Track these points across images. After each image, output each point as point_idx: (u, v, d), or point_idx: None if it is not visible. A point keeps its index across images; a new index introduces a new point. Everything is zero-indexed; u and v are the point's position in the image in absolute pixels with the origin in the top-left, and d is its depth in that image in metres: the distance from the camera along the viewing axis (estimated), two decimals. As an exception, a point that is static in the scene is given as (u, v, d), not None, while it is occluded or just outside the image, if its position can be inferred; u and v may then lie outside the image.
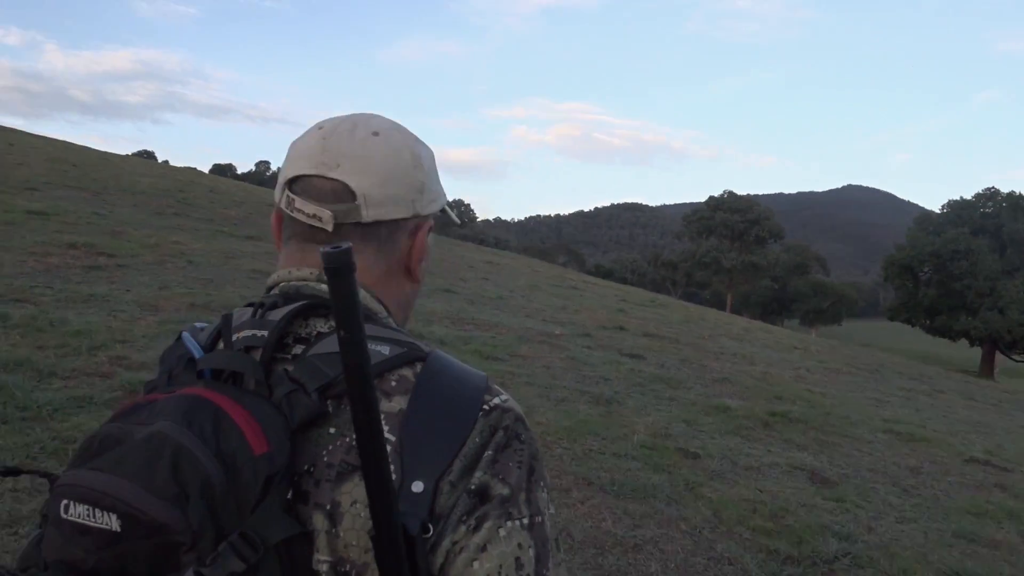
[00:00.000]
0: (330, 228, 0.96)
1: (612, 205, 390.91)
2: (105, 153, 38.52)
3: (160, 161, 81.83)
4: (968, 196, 43.79)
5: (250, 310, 0.96)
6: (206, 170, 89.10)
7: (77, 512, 0.77)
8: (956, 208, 43.78)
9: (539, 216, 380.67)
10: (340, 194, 0.96)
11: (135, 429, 0.80)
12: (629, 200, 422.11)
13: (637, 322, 15.49)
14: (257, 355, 0.90)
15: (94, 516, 0.76)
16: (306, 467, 0.84)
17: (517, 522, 0.84)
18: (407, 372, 0.90)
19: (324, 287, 0.95)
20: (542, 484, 0.89)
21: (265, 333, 0.91)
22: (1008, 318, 37.14)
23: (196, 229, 17.02)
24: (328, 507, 0.83)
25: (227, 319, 0.96)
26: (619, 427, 6.73)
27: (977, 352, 47.55)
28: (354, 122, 1.02)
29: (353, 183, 0.96)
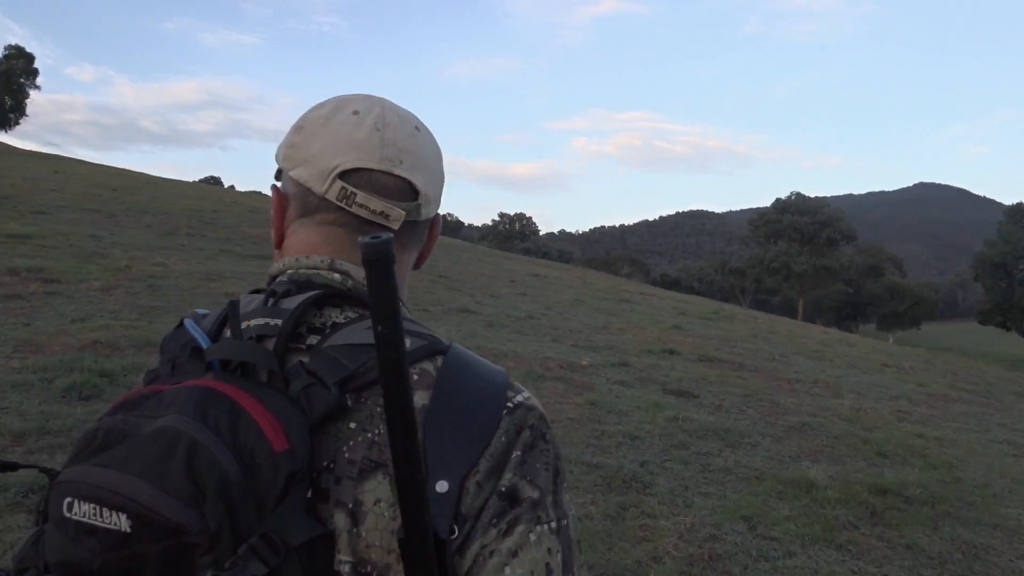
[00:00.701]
0: (396, 227, 0.93)
1: (677, 213, 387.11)
2: (155, 178, 37.77)
3: (227, 187, 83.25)
4: None
5: (258, 297, 0.92)
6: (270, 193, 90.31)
7: (82, 511, 0.72)
8: None
9: (604, 227, 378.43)
10: (404, 192, 0.94)
11: (142, 422, 0.76)
12: (694, 207, 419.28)
13: (694, 342, 12.93)
14: (270, 345, 0.85)
15: (101, 515, 0.71)
16: (326, 463, 0.80)
17: (546, 526, 0.81)
18: (428, 366, 0.86)
19: (337, 276, 0.93)
20: (566, 485, 0.87)
21: (279, 322, 0.86)
22: (1122, 318, 33.22)
23: (200, 249, 15.97)
24: (350, 506, 0.79)
25: (234, 306, 0.91)
26: (632, 542, 4.20)
27: None
28: (396, 113, 0.98)
29: (417, 181, 0.95)
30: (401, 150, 0.94)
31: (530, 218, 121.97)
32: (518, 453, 0.83)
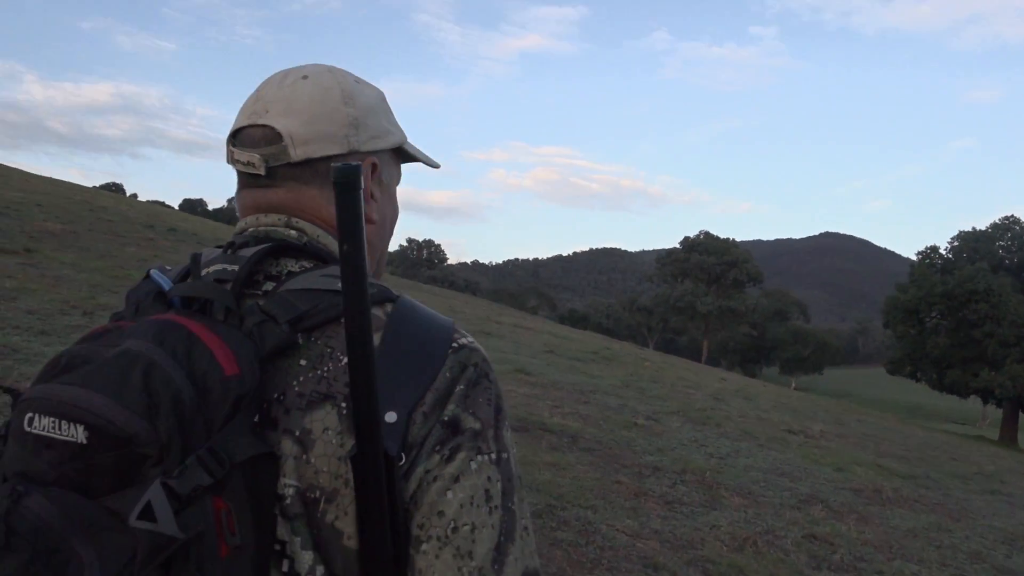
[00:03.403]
0: (262, 171, 0.97)
1: (591, 250, 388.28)
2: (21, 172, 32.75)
3: (128, 195, 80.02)
4: (961, 232, 37.55)
5: (219, 250, 0.96)
6: (176, 205, 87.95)
7: (42, 424, 0.75)
8: (968, 241, 36.53)
9: (517, 260, 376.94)
10: (269, 138, 0.97)
11: (104, 350, 0.79)
12: (608, 245, 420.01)
13: (528, 395, 9.12)
14: (227, 287, 0.89)
15: (60, 428, 0.74)
16: (276, 395, 0.84)
17: (486, 456, 0.85)
18: (378, 311, 0.88)
19: (293, 233, 0.97)
20: (507, 424, 0.90)
21: (236, 267, 0.91)
22: (1045, 373, 30.14)
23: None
24: (297, 433, 0.83)
25: (196, 257, 0.95)
26: None
27: (972, 403, 40.92)
28: (287, 71, 1.03)
29: (279, 125, 0.96)
30: (268, 101, 0.98)
31: (439, 246, 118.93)
32: (461, 387, 0.86)
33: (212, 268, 0.92)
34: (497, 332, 17.61)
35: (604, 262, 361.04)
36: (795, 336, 79.40)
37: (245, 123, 0.98)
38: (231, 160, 0.99)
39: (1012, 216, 37.63)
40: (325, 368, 0.84)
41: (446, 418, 0.84)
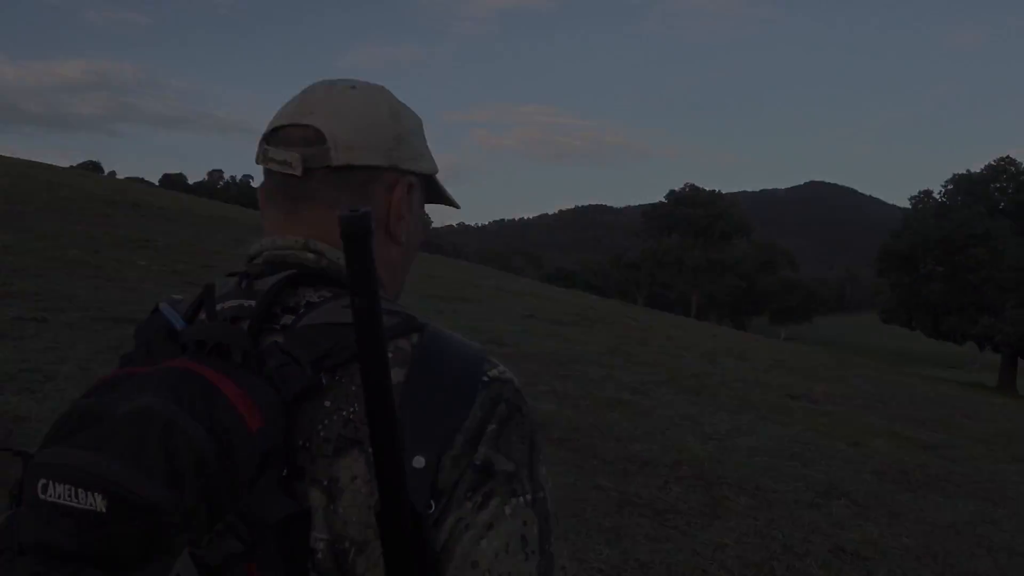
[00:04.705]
0: (299, 172, 0.91)
1: (576, 207, 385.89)
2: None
3: (106, 173, 79.11)
4: (940, 182, 36.30)
5: (232, 280, 0.91)
6: (155, 181, 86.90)
7: (57, 492, 0.70)
8: (963, 184, 35.12)
9: (503, 220, 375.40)
10: (311, 139, 0.92)
11: (117, 404, 0.74)
12: (593, 202, 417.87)
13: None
14: (244, 326, 0.84)
15: (76, 496, 0.69)
16: (301, 442, 0.79)
17: (521, 499, 0.80)
18: (404, 344, 0.84)
19: (310, 256, 0.91)
20: (542, 458, 0.86)
21: (252, 303, 0.86)
22: (1046, 318, 29.12)
23: None
24: (325, 483, 0.78)
25: (209, 289, 0.91)
26: None
27: (964, 347, 40.08)
28: (333, 81, 1.00)
29: (324, 127, 0.92)
30: (314, 104, 0.93)
31: (423, 211, 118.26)
32: (493, 426, 0.81)
33: (227, 304, 0.86)
34: (475, 297, 16.54)
35: (590, 219, 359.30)
36: (784, 286, 78.69)
37: (285, 122, 0.93)
38: (264, 159, 0.93)
39: (1007, 157, 36.25)
40: (350, 409, 0.78)
41: (478, 462, 0.78)
